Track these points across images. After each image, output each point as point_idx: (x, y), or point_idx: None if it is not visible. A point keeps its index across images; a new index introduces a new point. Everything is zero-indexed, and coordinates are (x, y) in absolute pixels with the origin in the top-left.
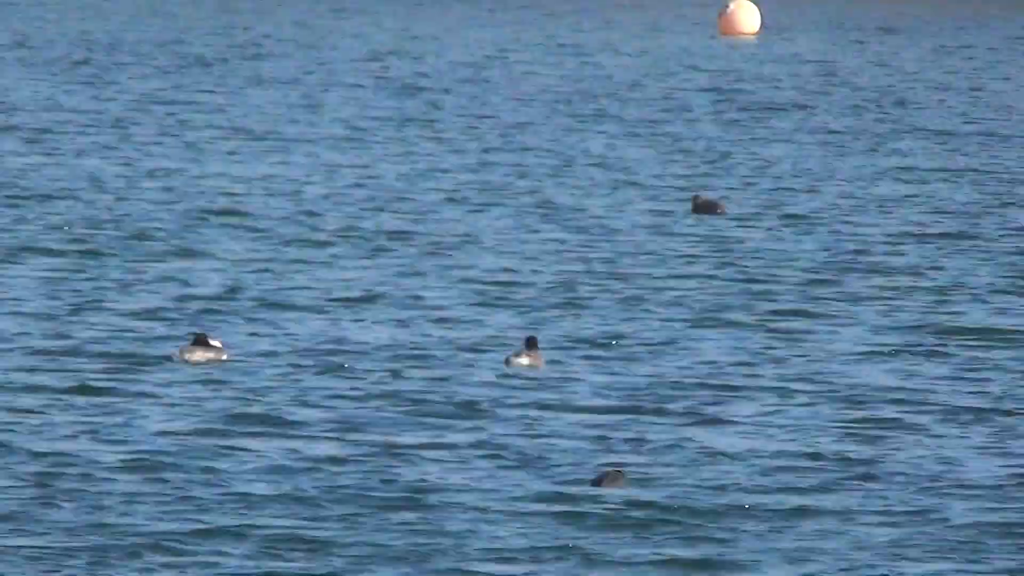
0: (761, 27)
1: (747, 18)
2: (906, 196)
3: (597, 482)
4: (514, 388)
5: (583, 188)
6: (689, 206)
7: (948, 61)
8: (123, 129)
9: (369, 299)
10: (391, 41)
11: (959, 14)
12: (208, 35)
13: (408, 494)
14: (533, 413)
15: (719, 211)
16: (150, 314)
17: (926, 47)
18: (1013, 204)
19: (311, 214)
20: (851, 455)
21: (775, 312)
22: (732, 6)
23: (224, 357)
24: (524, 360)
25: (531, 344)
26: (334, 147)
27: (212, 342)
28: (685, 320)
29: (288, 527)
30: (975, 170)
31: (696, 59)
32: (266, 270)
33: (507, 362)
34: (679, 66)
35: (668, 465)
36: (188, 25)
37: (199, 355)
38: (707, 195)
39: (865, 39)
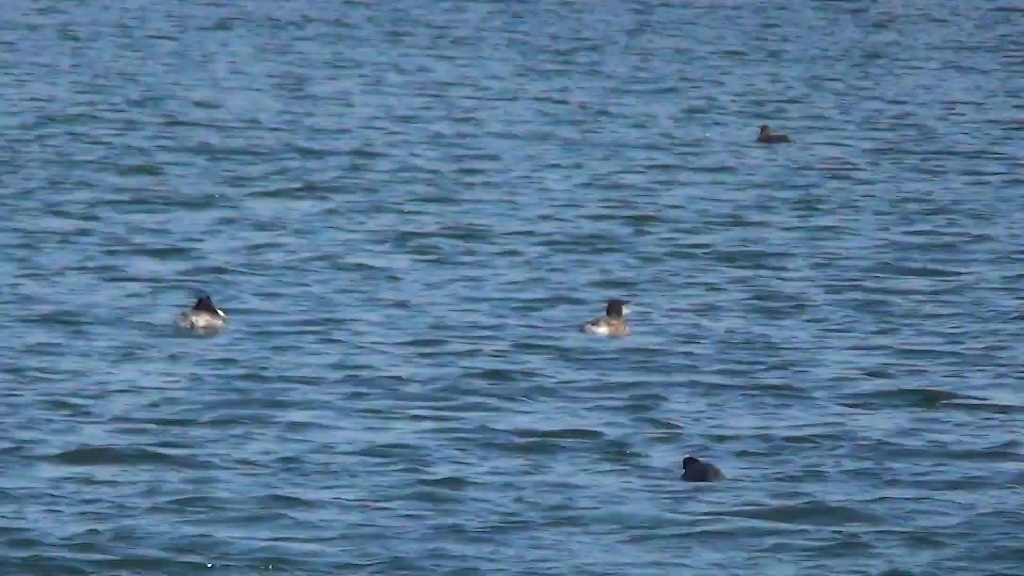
0: None
1: None
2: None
3: (698, 475)
4: (587, 363)
5: (649, 116)
6: (758, 135)
7: None
8: None
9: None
10: None
11: None
12: None
13: (443, 491)
14: (605, 394)
15: (787, 141)
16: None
17: None
18: None
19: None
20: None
21: (856, 280)
22: None
23: (227, 323)
24: (603, 329)
25: (614, 309)
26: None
27: (217, 309)
28: (763, 280)
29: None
30: None
31: None
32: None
33: (583, 330)
34: None
35: (753, 456)
36: None
37: (203, 320)
38: (775, 126)
39: None
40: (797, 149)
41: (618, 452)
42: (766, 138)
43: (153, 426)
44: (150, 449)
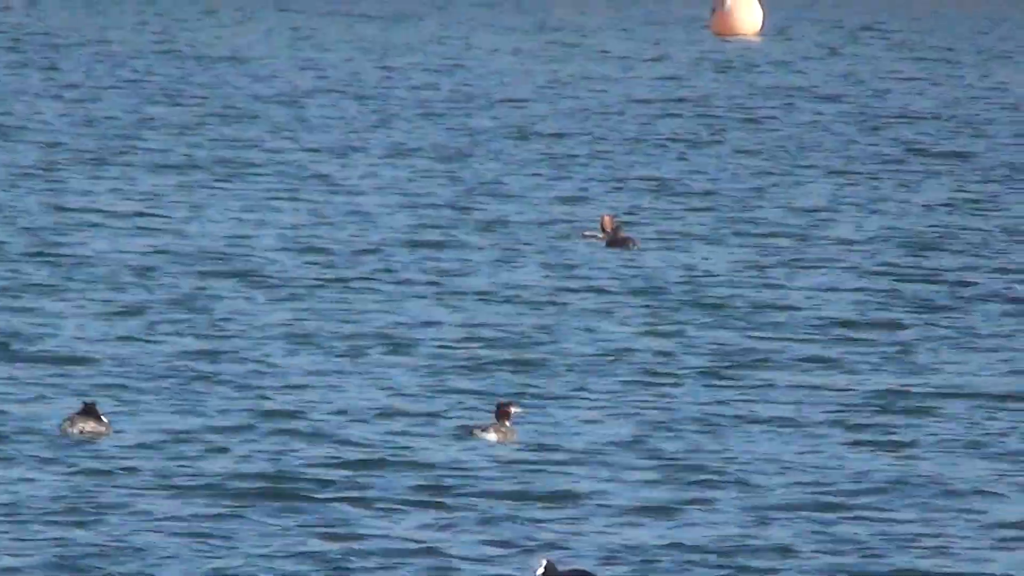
0: (763, 27)
1: (747, 16)
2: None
3: None
4: (473, 470)
5: (490, 216)
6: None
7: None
8: None
9: (296, 349)
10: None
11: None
12: None
13: None
14: (483, 502)
15: (632, 246)
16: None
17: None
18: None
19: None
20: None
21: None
22: (729, 2)
23: (109, 431)
24: (492, 435)
25: (503, 414)
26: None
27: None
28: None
29: None
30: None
31: (675, 64)
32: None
33: (471, 435)
34: (656, 71)
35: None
36: None
37: (89, 427)
38: (622, 229)
39: (876, 44)
40: (643, 252)
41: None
42: (613, 241)
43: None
44: None
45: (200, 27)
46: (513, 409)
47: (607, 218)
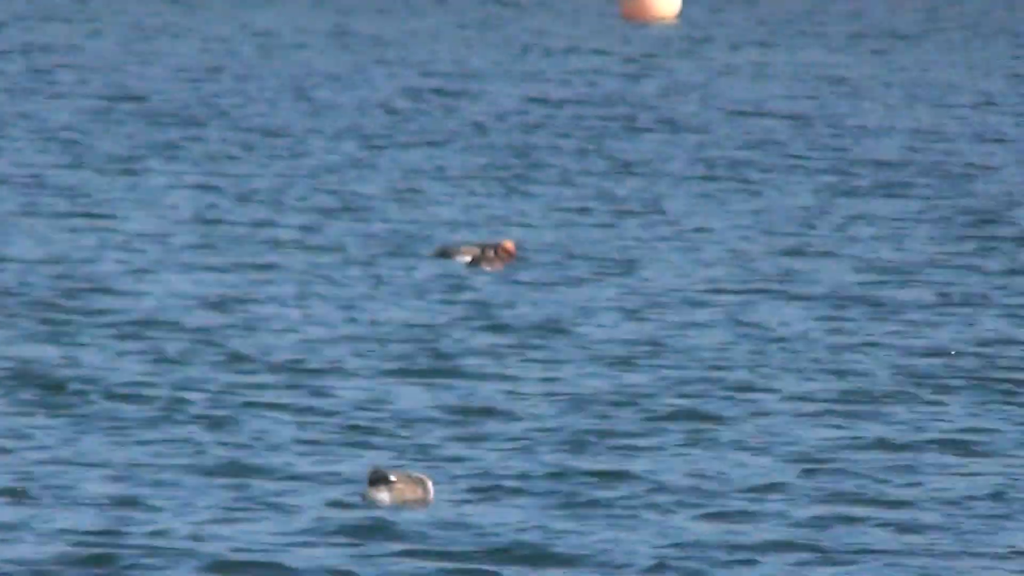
0: (682, 9)
1: None
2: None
3: None
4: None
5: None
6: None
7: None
8: None
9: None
10: None
11: None
12: None
13: None
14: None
15: (482, 265)
16: None
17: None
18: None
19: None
20: None
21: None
22: None
23: None
24: (384, 495)
25: (375, 479)
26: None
27: None
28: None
29: None
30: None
31: (575, 55)
32: None
33: (363, 496)
34: (558, 65)
35: None
36: None
37: None
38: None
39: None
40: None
41: None
42: (475, 261)
43: None
44: None
45: None
46: (391, 477)
47: (508, 244)
